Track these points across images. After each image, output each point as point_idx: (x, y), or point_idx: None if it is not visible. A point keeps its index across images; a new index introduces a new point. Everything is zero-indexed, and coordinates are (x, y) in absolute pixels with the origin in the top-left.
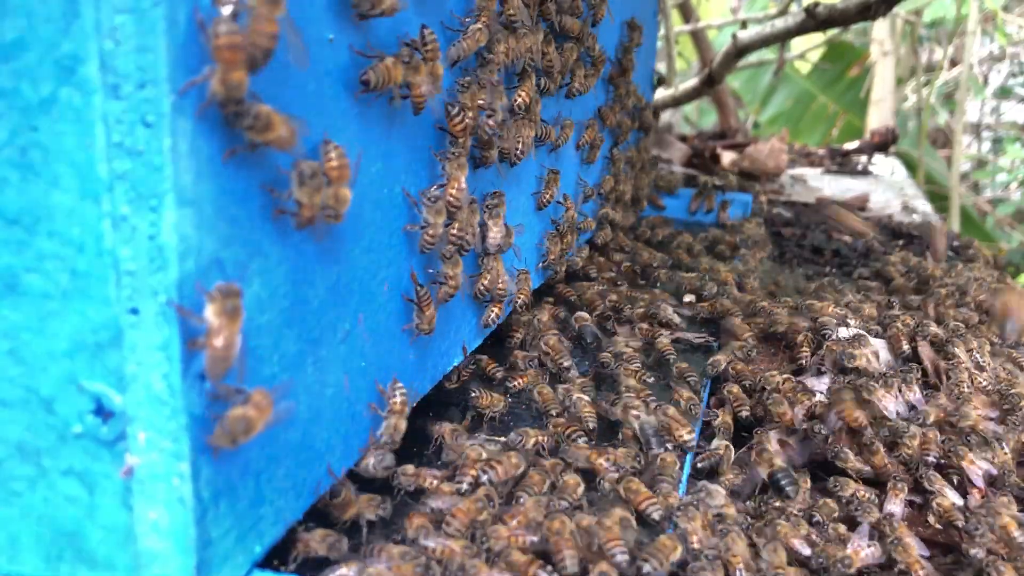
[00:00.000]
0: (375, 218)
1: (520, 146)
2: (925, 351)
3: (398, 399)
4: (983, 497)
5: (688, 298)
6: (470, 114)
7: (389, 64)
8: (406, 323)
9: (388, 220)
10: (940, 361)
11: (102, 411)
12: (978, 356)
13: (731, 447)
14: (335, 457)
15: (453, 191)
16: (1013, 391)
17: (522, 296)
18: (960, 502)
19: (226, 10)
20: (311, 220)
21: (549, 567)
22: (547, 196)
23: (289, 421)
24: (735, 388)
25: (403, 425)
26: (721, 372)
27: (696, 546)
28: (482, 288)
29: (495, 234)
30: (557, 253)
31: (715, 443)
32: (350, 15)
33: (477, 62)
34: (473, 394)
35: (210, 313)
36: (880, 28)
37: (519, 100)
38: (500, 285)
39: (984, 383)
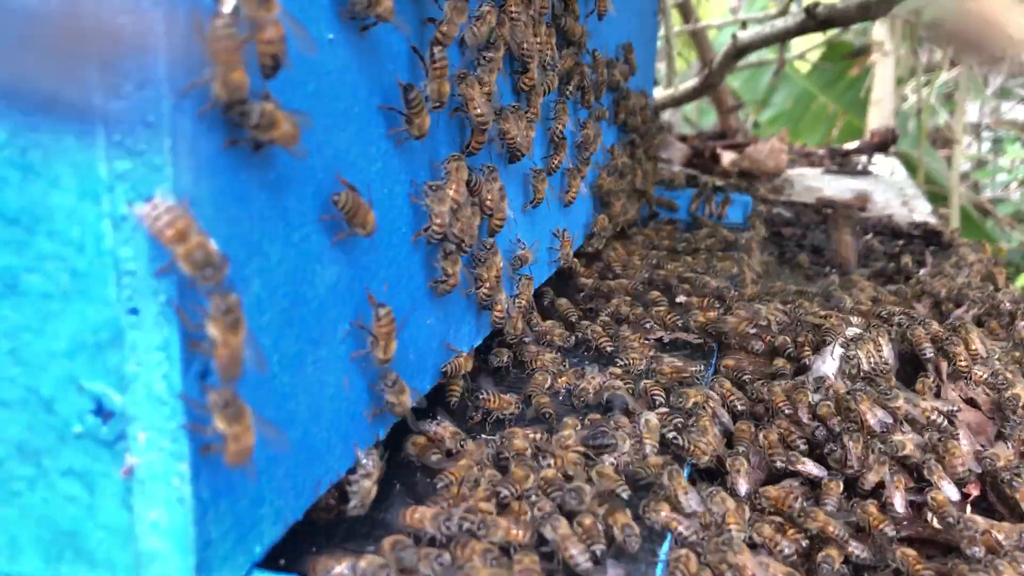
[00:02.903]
0: (375, 218)
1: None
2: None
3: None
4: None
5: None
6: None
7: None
8: (405, 322)
9: (388, 220)
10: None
11: (102, 411)
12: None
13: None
14: (335, 457)
15: (452, 191)
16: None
17: (523, 299)
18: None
19: (223, 9)
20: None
21: None
22: (555, 162)
23: (289, 421)
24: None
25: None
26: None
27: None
28: (484, 294)
29: (493, 191)
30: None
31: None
32: (346, 15)
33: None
34: (482, 395)
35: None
36: (880, 28)
37: (524, 84)
38: (499, 287)
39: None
